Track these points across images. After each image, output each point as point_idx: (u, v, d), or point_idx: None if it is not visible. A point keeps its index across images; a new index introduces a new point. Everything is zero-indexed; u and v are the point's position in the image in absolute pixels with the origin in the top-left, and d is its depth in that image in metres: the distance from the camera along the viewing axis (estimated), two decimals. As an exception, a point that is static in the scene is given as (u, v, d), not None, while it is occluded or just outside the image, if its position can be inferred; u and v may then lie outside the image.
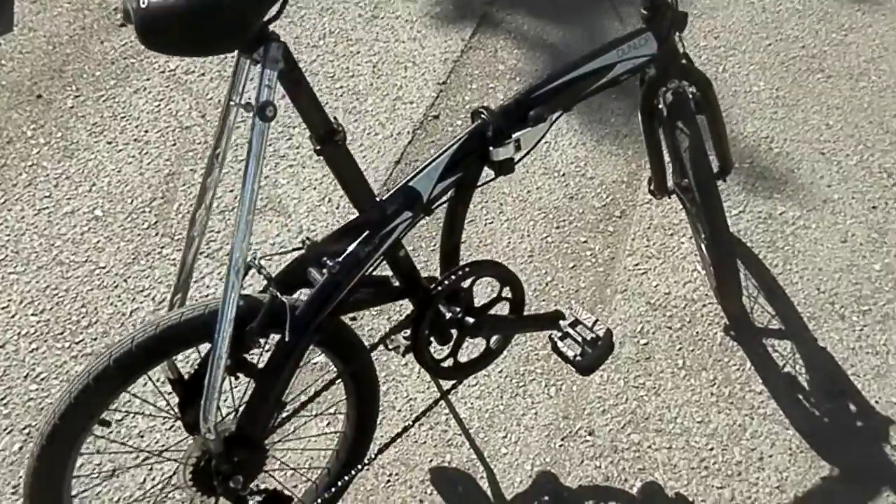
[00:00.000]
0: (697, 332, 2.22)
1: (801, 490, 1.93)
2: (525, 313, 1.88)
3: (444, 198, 1.67)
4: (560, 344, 1.84)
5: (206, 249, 2.37)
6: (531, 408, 2.07)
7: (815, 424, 2.05)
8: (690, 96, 1.92)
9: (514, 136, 1.65)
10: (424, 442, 2.02)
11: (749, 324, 2.24)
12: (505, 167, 1.67)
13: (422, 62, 2.98)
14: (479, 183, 1.71)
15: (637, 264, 2.37)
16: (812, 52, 3.05)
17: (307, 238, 1.59)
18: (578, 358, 1.80)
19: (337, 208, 2.50)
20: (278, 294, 1.45)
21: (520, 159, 1.73)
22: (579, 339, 1.83)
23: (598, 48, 1.76)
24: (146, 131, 2.74)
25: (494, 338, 1.85)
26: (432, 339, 1.77)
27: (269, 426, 1.60)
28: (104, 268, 2.34)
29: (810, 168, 2.64)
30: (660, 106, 1.95)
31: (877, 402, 2.09)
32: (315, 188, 2.55)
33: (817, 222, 2.48)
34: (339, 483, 1.75)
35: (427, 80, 2.91)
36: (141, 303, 2.28)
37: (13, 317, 2.22)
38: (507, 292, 1.82)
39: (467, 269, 1.72)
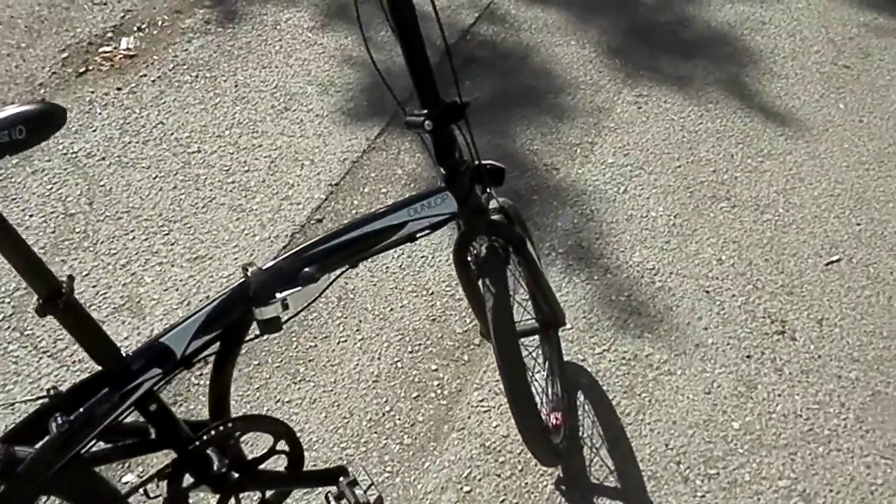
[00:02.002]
0: (527, 483, 2.06)
1: None
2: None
3: (208, 351, 1.57)
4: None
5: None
6: (333, 554, 1.94)
7: None
8: (503, 253, 1.80)
9: (280, 296, 1.55)
10: (216, 581, 1.90)
11: (584, 478, 2.08)
12: (270, 326, 1.57)
13: (320, 160, 2.89)
14: (248, 338, 1.61)
15: (482, 400, 2.23)
16: (722, 177, 2.90)
17: (53, 387, 1.50)
18: (344, 526, 1.67)
19: (195, 312, 2.41)
20: None
21: (291, 318, 1.63)
22: (353, 501, 1.70)
23: (389, 205, 1.66)
24: (31, 216, 2.69)
25: (271, 490, 1.73)
26: (192, 492, 1.66)
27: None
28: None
29: (690, 307, 2.48)
30: (471, 259, 1.84)
31: (704, 580, 1.92)
32: (178, 289, 2.47)
33: (683, 369, 2.32)
34: None
35: (320, 181, 2.82)
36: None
37: None
38: (282, 445, 1.71)
39: (229, 425, 1.61)
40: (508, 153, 2.97)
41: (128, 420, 1.56)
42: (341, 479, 1.73)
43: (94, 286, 2.47)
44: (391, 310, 2.45)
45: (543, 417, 2.11)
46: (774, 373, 2.31)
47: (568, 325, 2.42)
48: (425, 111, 1.61)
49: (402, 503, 2.01)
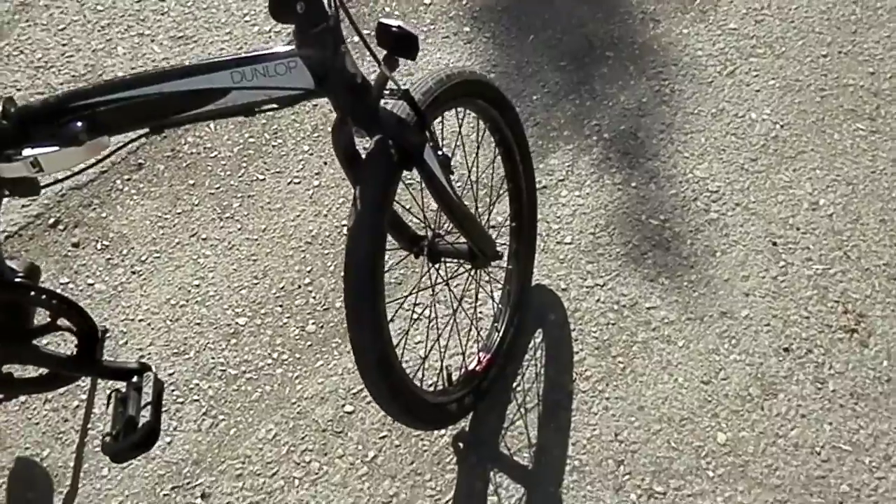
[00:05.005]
0: (422, 436, 1.60)
1: None
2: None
3: None
4: (111, 407, 1.34)
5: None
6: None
7: None
8: (396, 156, 1.21)
9: (29, 153, 1.09)
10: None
11: (492, 443, 1.57)
12: (22, 187, 1.14)
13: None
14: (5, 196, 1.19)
15: (419, 304, 1.72)
16: (881, 85, 1.99)
17: None
18: (107, 438, 1.30)
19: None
20: None
21: (52, 184, 1.19)
22: (131, 411, 1.31)
23: (209, 60, 1.12)
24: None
25: (51, 369, 1.38)
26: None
27: None
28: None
29: (741, 258, 1.77)
30: (359, 153, 1.26)
31: None
32: (145, 70, 2.05)
33: (689, 340, 1.68)
34: None
35: (356, -27, 2.22)
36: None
37: None
38: (64, 323, 1.32)
39: None
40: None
41: None
42: (135, 378, 1.35)
43: (63, 44, 2.10)
44: (366, 159, 1.92)
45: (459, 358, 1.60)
46: (812, 383, 1.62)
47: (567, 239, 1.81)
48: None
49: (271, 400, 1.63)
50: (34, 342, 1.31)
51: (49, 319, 1.29)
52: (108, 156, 1.14)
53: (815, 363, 1.64)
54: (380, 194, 1.20)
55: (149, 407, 1.29)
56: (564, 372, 1.65)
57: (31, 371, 1.48)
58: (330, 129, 1.28)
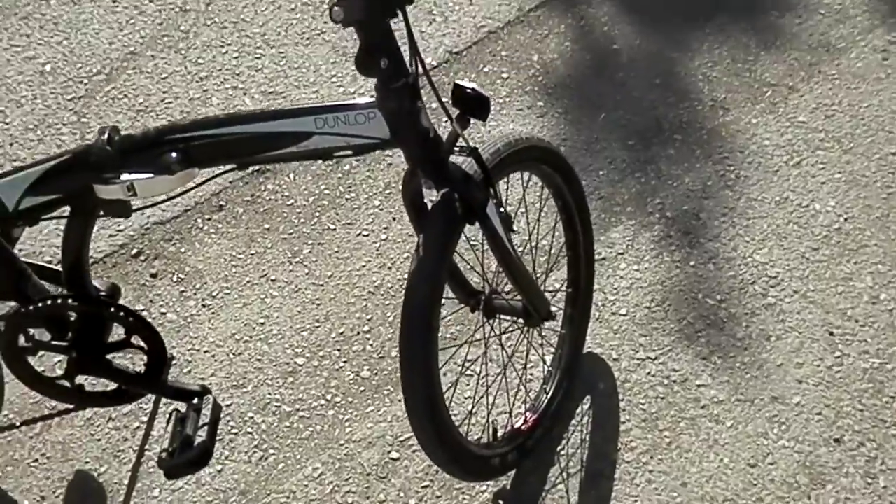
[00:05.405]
0: (463, 489, 1.62)
1: None
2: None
3: (53, 213, 1.30)
4: (170, 425, 1.40)
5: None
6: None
7: None
8: (461, 210, 1.27)
9: (126, 177, 1.20)
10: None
11: (532, 502, 1.59)
12: (115, 209, 1.25)
13: (455, 20, 2.37)
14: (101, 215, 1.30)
15: (472, 360, 1.77)
16: (950, 187, 1.99)
17: None
18: (164, 454, 1.36)
19: None
20: None
21: (143, 208, 1.29)
22: (188, 430, 1.38)
23: (295, 106, 1.23)
24: (150, 0, 2.50)
25: (119, 384, 1.46)
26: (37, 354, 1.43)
27: None
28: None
29: (796, 345, 1.76)
30: (426, 204, 1.34)
31: None
32: None
33: (738, 422, 1.66)
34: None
35: (441, 44, 2.32)
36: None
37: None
38: (138, 341, 1.41)
39: (68, 302, 1.34)
40: (675, 72, 2.26)
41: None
42: (195, 400, 1.42)
43: (164, 91, 2.26)
44: (433, 217, 2.00)
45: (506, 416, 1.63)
46: (863, 477, 1.59)
47: (622, 311, 1.83)
48: (342, -10, 1.11)
49: (320, 440, 1.67)
50: (108, 357, 1.40)
51: (124, 336, 1.38)
52: (196, 187, 1.24)
53: (867, 457, 1.61)
54: (442, 243, 1.27)
55: (205, 428, 1.35)
56: (609, 441, 1.66)
57: (100, 385, 1.56)
58: (396, 180, 1.38)
